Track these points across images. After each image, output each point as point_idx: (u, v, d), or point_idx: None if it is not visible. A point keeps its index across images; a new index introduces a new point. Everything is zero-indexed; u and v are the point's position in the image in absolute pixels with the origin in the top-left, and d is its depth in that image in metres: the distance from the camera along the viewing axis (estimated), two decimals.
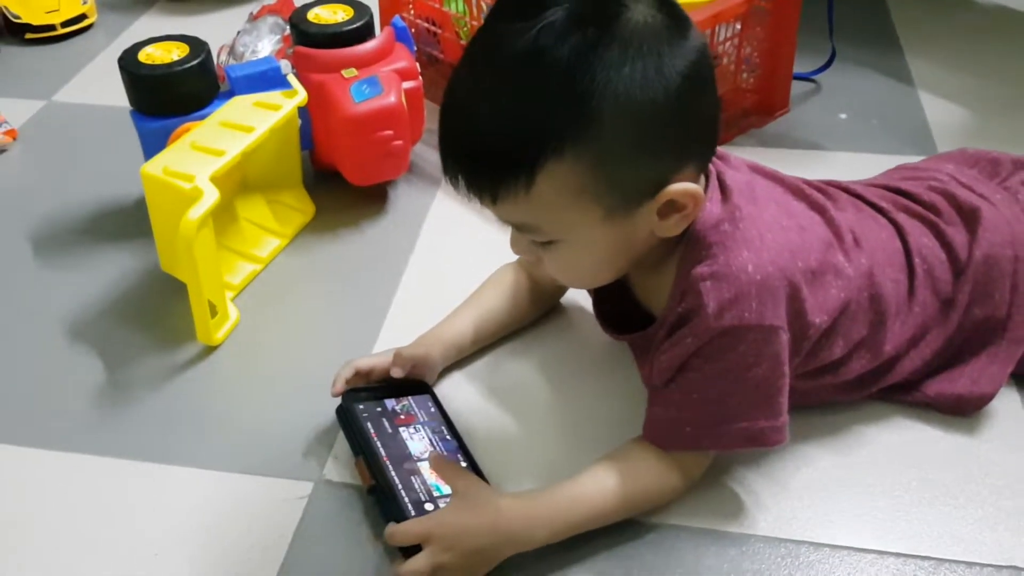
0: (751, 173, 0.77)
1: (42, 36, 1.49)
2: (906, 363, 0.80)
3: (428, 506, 0.71)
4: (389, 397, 0.80)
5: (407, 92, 1.04)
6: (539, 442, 0.81)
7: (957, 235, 0.81)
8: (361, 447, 0.75)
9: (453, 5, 1.23)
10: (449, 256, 1.03)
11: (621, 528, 0.72)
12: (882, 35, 1.44)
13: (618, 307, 0.82)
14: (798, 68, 1.26)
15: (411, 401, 0.81)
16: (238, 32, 1.32)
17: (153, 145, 0.98)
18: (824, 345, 0.75)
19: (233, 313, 0.94)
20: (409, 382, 0.82)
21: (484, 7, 1.18)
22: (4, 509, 0.77)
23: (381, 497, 0.72)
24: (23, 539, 0.74)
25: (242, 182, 1.07)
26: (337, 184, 1.09)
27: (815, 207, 0.78)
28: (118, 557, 0.72)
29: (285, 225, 1.05)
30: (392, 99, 1.00)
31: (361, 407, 0.78)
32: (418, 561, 0.66)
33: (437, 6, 1.24)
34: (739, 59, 1.17)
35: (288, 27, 1.30)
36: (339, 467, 0.79)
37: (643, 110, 0.62)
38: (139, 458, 0.80)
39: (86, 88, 1.38)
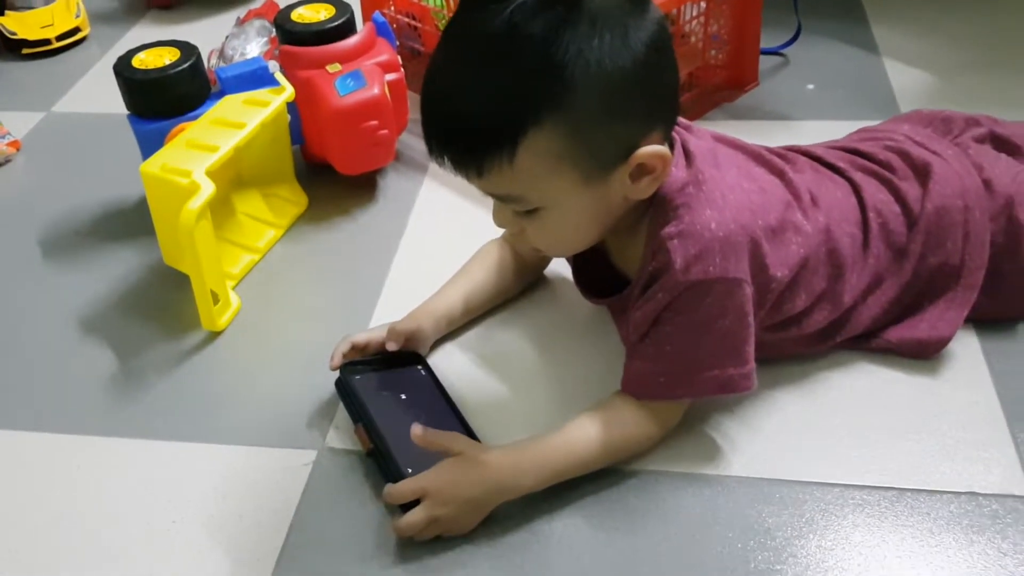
0: (713, 141, 0.82)
1: (38, 51, 1.55)
2: (864, 312, 0.85)
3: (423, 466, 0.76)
4: (384, 368, 0.85)
5: (390, 84, 1.09)
6: (528, 403, 0.86)
7: (911, 189, 0.86)
8: (359, 415, 0.80)
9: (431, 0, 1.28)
10: (437, 238, 1.08)
11: (604, 475, 0.78)
12: (847, 6, 1.49)
13: (596, 273, 0.87)
14: (766, 43, 1.31)
15: (405, 372, 0.86)
16: (226, 36, 1.37)
17: (150, 146, 1.03)
18: (787, 298, 0.80)
19: (234, 300, 0.99)
20: (403, 354, 0.88)
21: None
22: (31, 490, 0.82)
23: (380, 460, 0.77)
24: (50, 516, 0.80)
25: (237, 178, 1.12)
26: (328, 176, 1.15)
27: (774, 171, 0.83)
28: (138, 526, 0.78)
29: (280, 216, 1.11)
30: (376, 91, 1.05)
31: (358, 378, 0.83)
32: (415, 515, 0.72)
33: (416, 1, 1.29)
34: (706, 36, 1.22)
35: (274, 30, 1.35)
36: (340, 435, 0.84)
37: (613, 78, 0.67)
38: (153, 437, 0.86)
39: (83, 98, 1.44)
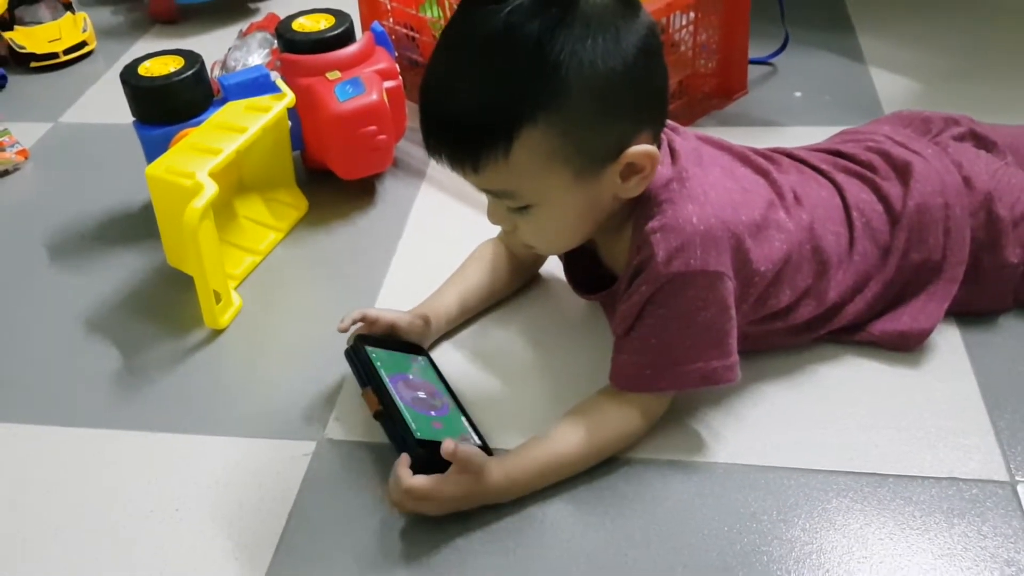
0: (698, 141, 0.85)
1: (46, 64, 1.58)
2: (850, 308, 0.87)
3: (434, 424, 0.78)
4: (393, 348, 0.87)
5: (388, 91, 1.12)
6: (525, 396, 0.89)
7: (892, 188, 0.88)
8: (368, 379, 0.81)
9: (429, 11, 1.32)
10: (434, 242, 1.11)
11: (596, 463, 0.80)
12: (834, 16, 1.52)
13: (587, 270, 0.90)
14: (754, 53, 1.34)
15: (412, 357, 0.88)
16: (229, 48, 1.41)
17: (155, 151, 1.06)
18: (772, 293, 0.83)
19: (236, 300, 1.02)
20: (409, 345, 0.90)
21: None
22: (40, 480, 0.84)
23: (388, 420, 0.79)
24: (58, 504, 0.82)
25: (239, 183, 1.15)
26: (327, 181, 1.18)
27: (759, 171, 0.86)
28: (143, 514, 0.80)
29: (281, 220, 1.14)
30: (374, 97, 1.08)
31: (370, 349, 0.84)
32: (402, 507, 0.75)
33: (414, 12, 1.33)
34: (696, 45, 1.25)
35: (276, 42, 1.39)
36: (340, 427, 0.86)
37: (605, 79, 0.70)
38: (157, 430, 0.88)
39: (89, 109, 1.47)
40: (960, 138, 0.94)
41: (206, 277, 0.94)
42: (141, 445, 0.87)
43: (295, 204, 1.16)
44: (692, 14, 1.21)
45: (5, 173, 1.30)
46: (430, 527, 0.76)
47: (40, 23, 1.61)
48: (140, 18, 1.76)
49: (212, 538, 0.77)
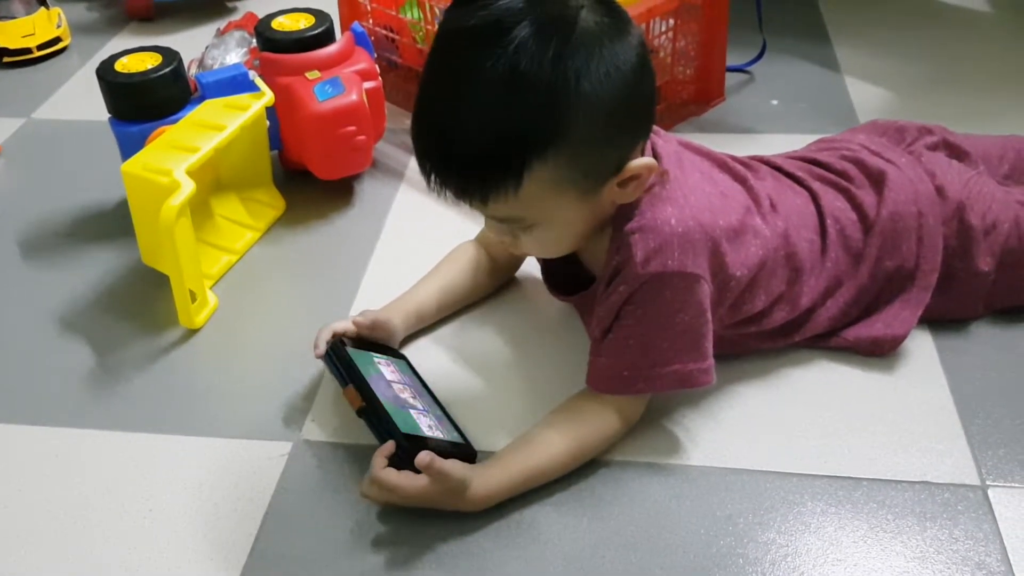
0: (679, 146, 0.85)
1: (19, 59, 1.57)
2: (823, 313, 0.88)
3: (415, 416, 0.78)
4: (372, 350, 0.87)
5: (368, 92, 1.12)
6: (502, 396, 0.89)
7: (866, 197, 0.89)
8: (349, 377, 0.81)
9: (409, 12, 1.31)
10: (413, 242, 1.10)
11: None
12: (810, 26, 1.54)
13: (564, 272, 0.90)
14: (732, 60, 1.35)
15: (391, 360, 0.88)
16: (206, 46, 1.40)
17: (131, 149, 1.05)
18: (747, 298, 0.83)
19: (212, 299, 1.01)
20: (385, 347, 0.90)
21: (438, 12, 1.26)
22: (11, 481, 0.83)
23: (371, 416, 0.78)
24: (27, 505, 0.81)
25: (216, 182, 1.14)
26: (305, 181, 1.17)
27: (737, 178, 0.87)
28: (114, 514, 0.79)
29: (258, 220, 1.13)
30: (354, 97, 1.08)
31: (349, 349, 0.84)
32: (379, 498, 0.75)
33: (394, 13, 1.32)
34: (675, 52, 1.26)
35: (254, 41, 1.38)
36: (316, 428, 0.86)
37: (609, 102, 0.70)
38: (130, 429, 0.87)
39: (63, 105, 1.45)
40: (933, 147, 0.96)
41: (182, 276, 0.93)
42: (114, 445, 0.86)
43: (272, 204, 1.15)
44: (671, 21, 1.22)
45: None
46: (407, 529, 0.76)
47: (13, 18, 1.58)
48: (116, 15, 1.74)
49: (186, 539, 0.77)
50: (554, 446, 0.78)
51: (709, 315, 0.79)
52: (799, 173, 0.92)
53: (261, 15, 1.22)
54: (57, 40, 1.60)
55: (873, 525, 0.75)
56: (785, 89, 1.36)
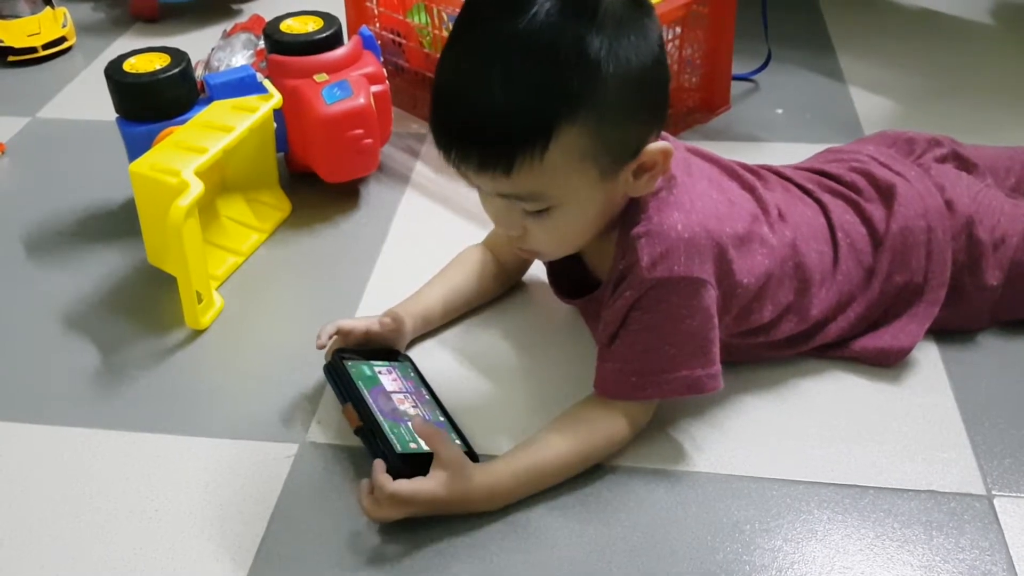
0: (687, 152, 0.85)
1: (24, 58, 1.56)
2: (832, 327, 0.88)
3: (411, 445, 0.78)
4: (374, 359, 0.87)
5: (375, 95, 1.12)
6: (508, 400, 0.89)
7: (875, 211, 0.89)
8: (349, 394, 0.81)
9: (416, 17, 1.32)
10: (418, 246, 1.10)
11: None
12: (816, 37, 1.55)
13: (570, 275, 0.90)
14: (738, 70, 1.36)
15: (394, 365, 0.88)
16: (212, 48, 1.40)
17: (138, 149, 1.04)
18: (755, 308, 0.83)
19: (218, 300, 1.01)
20: (390, 352, 0.90)
21: (445, 17, 1.26)
22: (16, 480, 0.83)
23: (368, 435, 0.79)
24: (36, 506, 0.80)
25: (222, 183, 1.14)
26: (311, 184, 1.17)
27: (745, 186, 0.87)
28: (120, 514, 0.79)
29: (264, 221, 1.13)
30: (361, 100, 1.08)
31: (349, 363, 0.84)
32: (391, 514, 0.75)
33: (401, 18, 1.33)
34: (681, 60, 1.26)
35: (260, 43, 1.38)
36: (322, 430, 0.86)
37: (638, 75, 0.71)
38: (136, 429, 0.87)
39: (68, 105, 1.45)
40: (942, 159, 0.96)
41: (189, 277, 0.93)
42: (119, 445, 0.86)
43: (278, 206, 1.15)
44: (678, 29, 1.22)
45: None
46: (413, 532, 0.76)
47: (19, 17, 1.59)
48: (121, 15, 1.74)
49: (192, 539, 0.76)
50: (560, 447, 0.78)
51: (716, 321, 0.79)
52: (808, 185, 0.92)
53: (267, 17, 1.23)
54: (62, 40, 1.60)
55: (879, 533, 0.75)
56: (790, 98, 1.37)
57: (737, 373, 0.87)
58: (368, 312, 0.99)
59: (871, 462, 0.81)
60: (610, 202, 0.78)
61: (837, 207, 0.90)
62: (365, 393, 0.81)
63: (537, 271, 1.01)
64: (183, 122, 1.05)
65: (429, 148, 1.26)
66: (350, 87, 1.09)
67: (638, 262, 0.76)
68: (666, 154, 0.75)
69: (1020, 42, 1.52)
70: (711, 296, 0.78)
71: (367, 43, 1.18)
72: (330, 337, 0.87)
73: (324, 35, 1.14)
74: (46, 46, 1.57)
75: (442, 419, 0.84)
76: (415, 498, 0.74)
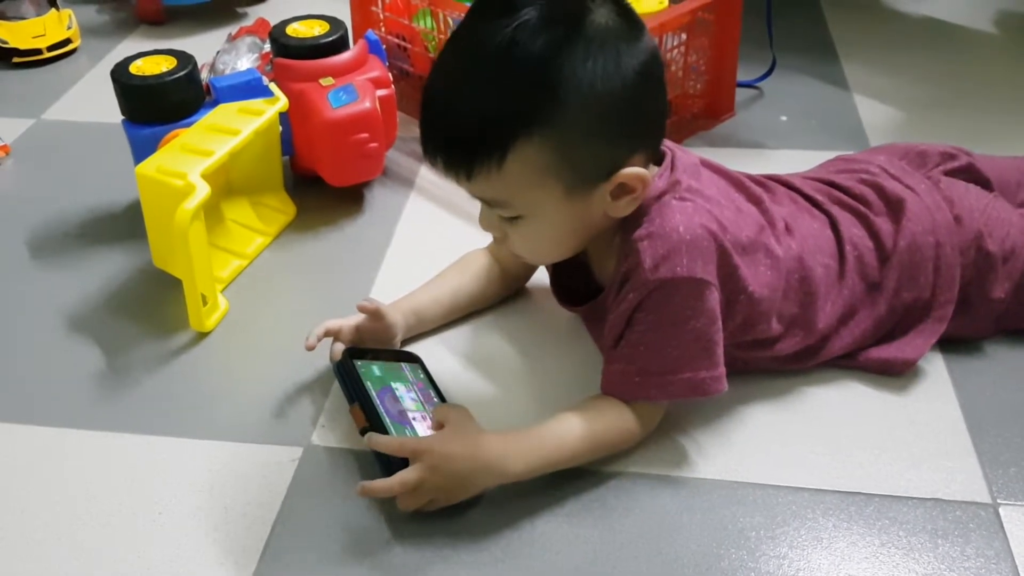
0: (698, 161, 0.85)
1: (29, 60, 1.57)
2: (837, 341, 0.88)
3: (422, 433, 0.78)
4: (384, 359, 0.87)
5: (381, 99, 1.12)
6: (510, 404, 0.89)
7: (884, 225, 0.89)
8: (356, 395, 0.81)
9: (422, 21, 1.32)
10: (423, 250, 1.10)
11: (585, 476, 0.80)
12: (820, 44, 1.55)
13: (574, 281, 0.91)
14: (743, 76, 1.36)
15: (404, 366, 0.88)
16: (217, 52, 1.40)
17: (144, 151, 1.05)
18: (760, 319, 0.83)
19: (223, 303, 1.01)
20: (402, 352, 0.90)
21: (451, 22, 1.26)
22: (19, 482, 0.83)
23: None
24: (37, 506, 0.80)
25: (227, 186, 1.14)
26: (316, 187, 1.17)
27: (752, 199, 0.87)
28: (124, 517, 0.79)
29: (269, 224, 1.13)
30: (367, 104, 1.08)
31: (359, 363, 0.84)
32: (408, 474, 0.74)
33: (406, 22, 1.33)
34: (686, 67, 1.26)
35: (265, 46, 1.38)
36: (326, 434, 0.86)
37: (602, 100, 0.71)
38: (140, 432, 0.87)
39: (73, 107, 1.45)
40: (955, 172, 0.94)
41: (194, 279, 0.93)
42: (124, 447, 0.86)
43: (283, 209, 1.15)
44: (683, 35, 1.23)
45: None
46: (418, 537, 0.76)
47: (24, 18, 1.59)
48: (126, 17, 1.74)
49: (197, 543, 0.76)
50: (575, 423, 0.78)
51: (720, 323, 0.79)
52: (818, 196, 0.91)
53: (272, 21, 1.23)
54: (67, 41, 1.60)
55: (885, 541, 0.75)
56: (794, 105, 1.37)
57: (743, 380, 0.87)
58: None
59: (876, 470, 0.81)
60: (585, 219, 0.78)
61: (846, 220, 0.89)
62: (373, 394, 0.81)
63: (541, 277, 1.01)
64: (189, 125, 1.05)
65: None
66: (356, 91, 1.09)
67: (640, 264, 0.76)
68: (642, 180, 0.76)
69: (1022, 50, 1.52)
70: (714, 297, 0.78)
71: (373, 47, 1.18)
72: (319, 339, 0.87)
73: (330, 39, 1.14)
74: (51, 48, 1.58)
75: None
76: (421, 447, 0.74)
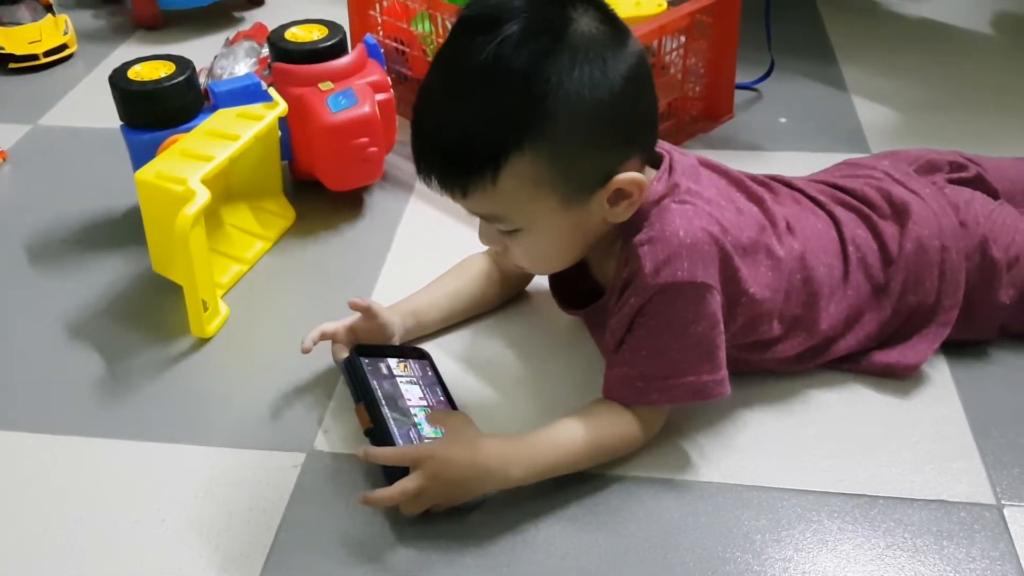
0: (697, 163, 0.85)
1: (25, 65, 1.56)
2: (842, 343, 0.88)
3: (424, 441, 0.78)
4: (392, 356, 0.87)
5: (380, 103, 1.12)
6: (512, 408, 0.89)
7: (888, 228, 0.89)
8: (362, 394, 0.81)
9: (420, 25, 1.32)
10: (424, 254, 1.10)
11: (589, 480, 0.80)
12: (818, 46, 1.56)
13: (573, 285, 0.90)
14: (741, 78, 1.36)
15: (411, 363, 0.88)
16: (215, 56, 1.40)
17: (142, 157, 1.04)
18: (763, 321, 0.83)
19: (223, 308, 1.00)
20: (411, 349, 0.90)
21: (449, 26, 1.26)
22: (19, 489, 0.82)
23: (377, 438, 0.79)
24: (38, 515, 0.80)
25: (226, 191, 1.13)
26: (316, 192, 1.17)
27: (753, 199, 0.86)
28: (127, 525, 0.78)
29: (268, 229, 1.13)
30: (367, 108, 1.08)
31: (366, 361, 0.84)
32: (409, 482, 0.74)
33: (404, 26, 1.33)
34: (685, 69, 1.26)
35: (263, 51, 1.38)
36: (329, 439, 0.85)
37: (591, 108, 0.71)
38: (142, 438, 0.87)
39: (69, 112, 1.45)
40: (961, 183, 0.94)
41: (195, 285, 0.93)
42: (125, 454, 0.85)
43: (283, 214, 1.15)
44: (682, 38, 1.23)
45: None
46: (422, 542, 0.75)
47: (20, 24, 1.58)
48: (122, 22, 1.74)
49: (200, 549, 0.76)
50: (576, 429, 0.78)
51: (722, 326, 0.79)
52: (821, 197, 0.91)
53: (269, 25, 1.23)
54: (64, 47, 1.59)
55: (890, 543, 0.75)
56: (793, 107, 1.37)
57: (746, 384, 0.86)
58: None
59: (880, 472, 0.81)
60: (583, 227, 0.78)
61: (850, 221, 0.89)
62: (378, 394, 0.81)
63: (541, 280, 1.00)
64: (188, 130, 1.05)
65: None
66: (355, 95, 1.09)
67: (641, 268, 0.76)
68: (638, 185, 0.76)
69: (1020, 52, 1.53)
70: (716, 301, 0.78)
71: (371, 51, 1.18)
72: (314, 342, 0.87)
73: (329, 43, 1.14)
74: (47, 53, 1.57)
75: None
76: (420, 455, 0.74)
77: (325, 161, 1.11)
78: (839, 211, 0.90)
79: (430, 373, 0.88)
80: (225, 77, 1.33)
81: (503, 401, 0.89)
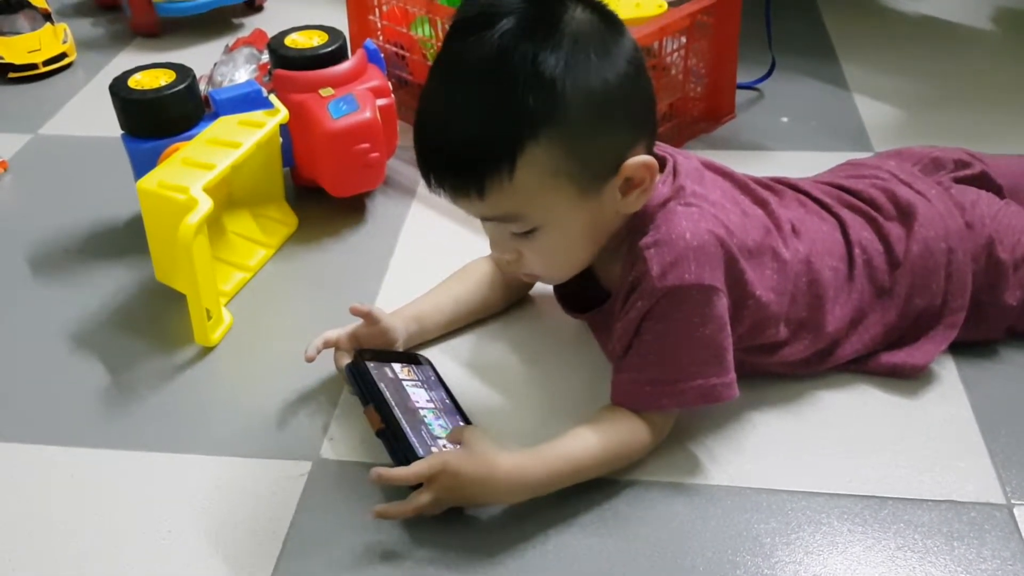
0: (701, 165, 0.85)
1: (25, 75, 1.56)
2: (848, 346, 0.87)
3: (432, 448, 0.78)
4: (396, 361, 0.87)
5: (381, 109, 1.12)
6: (517, 412, 0.88)
7: (894, 230, 0.88)
8: (371, 396, 0.81)
9: (419, 29, 1.31)
10: (426, 259, 1.10)
11: (598, 485, 0.79)
12: (819, 45, 1.55)
13: (578, 288, 0.90)
14: (742, 78, 1.36)
15: (414, 368, 0.87)
16: (215, 63, 1.40)
17: (143, 165, 1.04)
18: (769, 324, 0.83)
19: (227, 317, 1.00)
20: (412, 355, 0.90)
21: None
22: (25, 501, 0.82)
23: (390, 439, 0.78)
24: (44, 527, 0.79)
25: (228, 198, 1.13)
26: (318, 198, 1.17)
27: (758, 201, 0.86)
28: (133, 536, 0.78)
29: (271, 236, 1.12)
30: (368, 114, 1.08)
31: (372, 365, 0.84)
32: (423, 497, 0.74)
33: (404, 31, 1.32)
34: (686, 70, 1.26)
35: (262, 57, 1.38)
36: (335, 447, 0.85)
37: (600, 91, 0.72)
38: (147, 448, 0.86)
39: (69, 121, 1.45)
40: (966, 180, 0.94)
41: (199, 294, 0.93)
42: (129, 464, 0.85)
43: (285, 221, 1.14)
44: (683, 38, 1.22)
45: None
46: (431, 550, 0.75)
47: (19, 33, 1.58)
48: (121, 30, 1.74)
49: (206, 560, 0.76)
50: (589, 440, 0.77)
51: (729, 329, 0.78)
52: (826, 199, 0.91)
53: (269, 32, 1.22)
54: (63, 56, 1.59)
55: (900, 544, 0.75)
56: (795, 106, 1.37)
57: (753, 386, 0.86)
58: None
59: (890, 473, 0.80)
60: (598, 221, 0.78)
61: (855, 223, 0.89)
62: (388, 395, 0.81)
63: (544, 284, 1.00)
64: (189, 138, 1.04)
65: None
66: (356, 101, 1.09)
67: (648, 272, 0.76)
68: (649, 168, 0.75)
69: (1022, 47, 1.52)
70: (723, 303, 0.77)
71: (372, 57, 1.17)
72: (318, 350, 0.87)
73: (329, 49, 1.13)
74: (47, 62, 1.57)
75: (462, 424, 0.84)
76: (434, 468, 0.73)
77: (327, 167, 1.11)
78: (844, 213, 0.89)
79: (433, 377, 0.88)
80: (225, 84, 1.33)
81: (508, 405, 0.89)
